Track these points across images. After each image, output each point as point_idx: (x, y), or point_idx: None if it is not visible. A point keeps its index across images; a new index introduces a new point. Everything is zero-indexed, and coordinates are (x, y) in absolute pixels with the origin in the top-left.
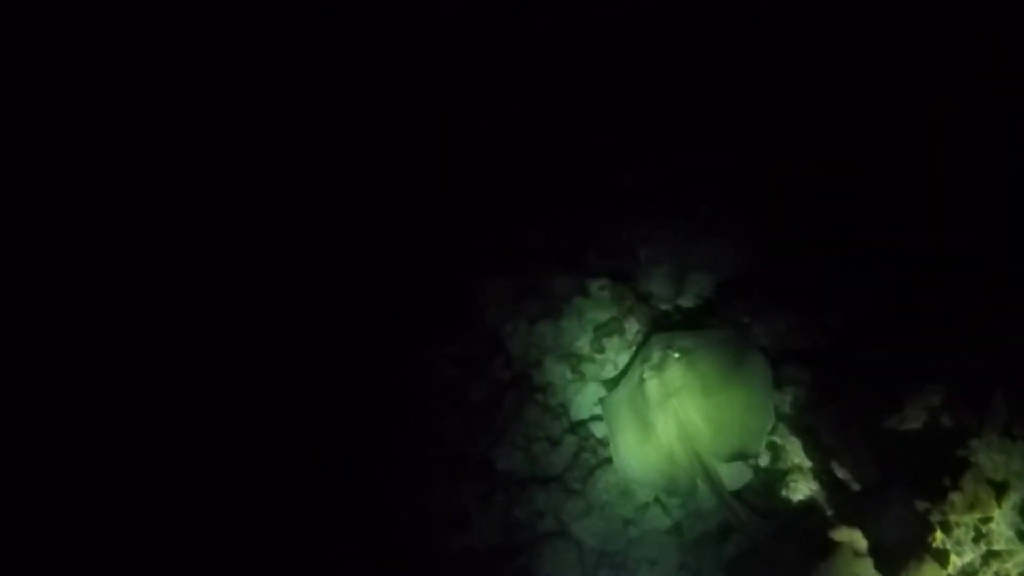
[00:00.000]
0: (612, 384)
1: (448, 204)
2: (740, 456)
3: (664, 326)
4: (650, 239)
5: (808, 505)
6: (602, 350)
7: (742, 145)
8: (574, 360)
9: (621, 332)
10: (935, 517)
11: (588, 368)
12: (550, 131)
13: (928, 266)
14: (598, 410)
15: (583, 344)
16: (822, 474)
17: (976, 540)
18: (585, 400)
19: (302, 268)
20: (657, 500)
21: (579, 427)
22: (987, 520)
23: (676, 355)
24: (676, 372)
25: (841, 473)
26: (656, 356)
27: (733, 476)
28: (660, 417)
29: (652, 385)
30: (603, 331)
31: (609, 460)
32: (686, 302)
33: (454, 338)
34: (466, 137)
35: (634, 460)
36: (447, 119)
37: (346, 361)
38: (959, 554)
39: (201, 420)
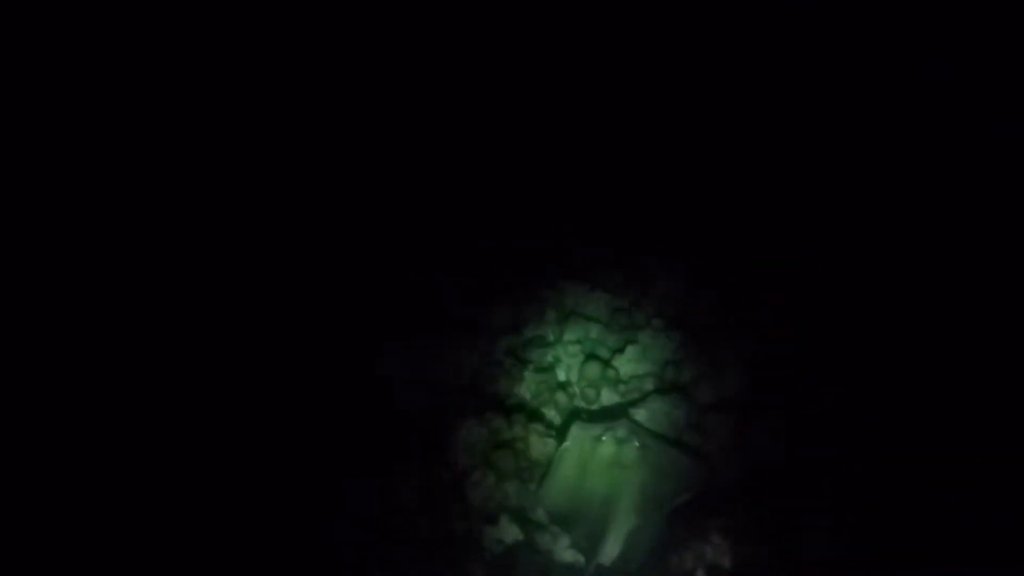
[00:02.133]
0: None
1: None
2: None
3: None
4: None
5: None
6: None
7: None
8: (530, 526)
9: None
10: None
11: (541, 538)
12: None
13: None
14: None
15: (543, 512)
16: None
17: None
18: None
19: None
20: None
21: None
22: None
23: (636, 444)
24: (631, 455)
25: None
26: (621, 432)
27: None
28: (597, 476)
29: (605, 450)
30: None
31: None
32: None
33: (423, 471)
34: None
35: (559, 488)
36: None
37: (313, 464)
38: None
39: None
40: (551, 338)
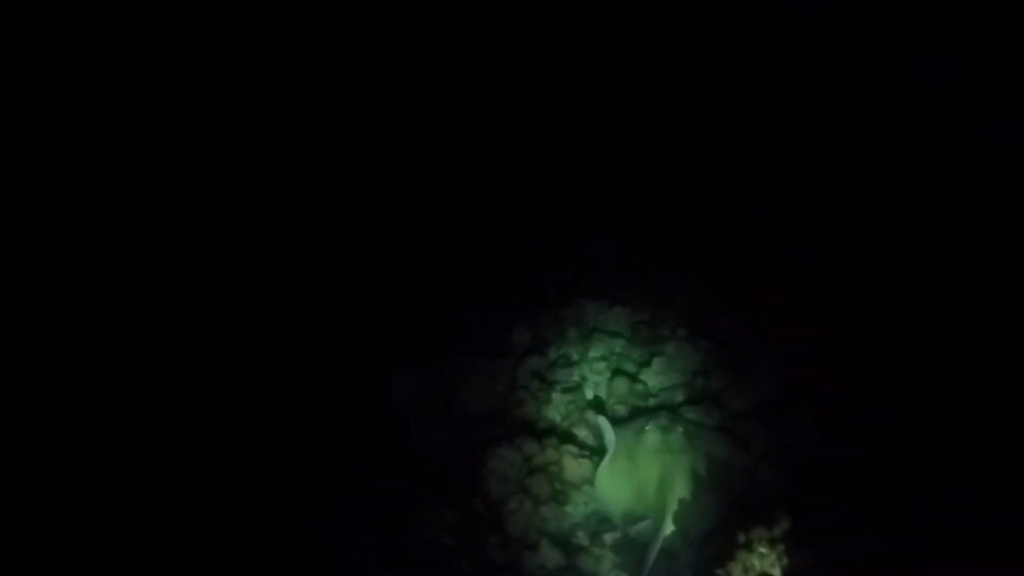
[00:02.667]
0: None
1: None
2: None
3: None
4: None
5: None
6: (603, 544)
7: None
8: (571, 549)
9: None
10: None
11: (582, 560)
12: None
13: None
14: None
15: (583, 535)
16: None
17: None
18: None
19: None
20: None
21: None
22: None
23: (681, 429)
24: (677, 440)
25: None
26: (664, 420)
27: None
28: (647, 463)
29: (652, 437)
30: (605, 526)
31: None
32: None
33: (455, 504)
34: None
35: (610, 485)
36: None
37: (343, 515)
38: None
39: None
40: (575, 357)
